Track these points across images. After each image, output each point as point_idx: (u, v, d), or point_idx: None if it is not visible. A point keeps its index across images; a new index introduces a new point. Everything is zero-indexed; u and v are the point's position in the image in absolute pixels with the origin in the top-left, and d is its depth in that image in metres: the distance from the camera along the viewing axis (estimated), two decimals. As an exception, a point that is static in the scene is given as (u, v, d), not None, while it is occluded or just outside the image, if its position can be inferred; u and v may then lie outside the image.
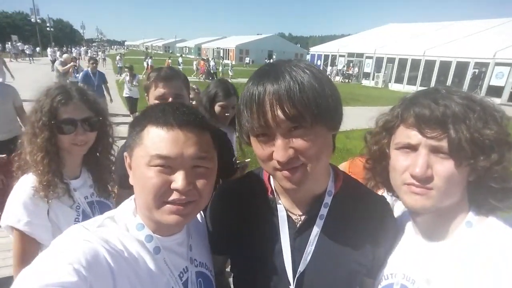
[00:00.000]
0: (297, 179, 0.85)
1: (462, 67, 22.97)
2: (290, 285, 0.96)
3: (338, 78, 31.82)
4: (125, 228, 0.88)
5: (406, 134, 0.90)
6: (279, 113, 0.78)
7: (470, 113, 0.83)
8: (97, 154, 1.63)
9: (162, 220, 0.85)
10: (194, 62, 26.59)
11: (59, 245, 0.75)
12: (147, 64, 24.32)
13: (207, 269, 1.06)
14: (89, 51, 45.87)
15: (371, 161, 1.09)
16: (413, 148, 0.89)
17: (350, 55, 33.04)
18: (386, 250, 1.05)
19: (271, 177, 1.04)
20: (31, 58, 32.38)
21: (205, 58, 32.14)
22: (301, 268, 0.96)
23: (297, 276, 0.96)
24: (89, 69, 8.53)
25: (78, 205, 1.51)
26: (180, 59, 28.78)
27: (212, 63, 26.56)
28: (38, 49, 48.39)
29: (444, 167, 0.84)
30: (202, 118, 0.92)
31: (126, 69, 10.27)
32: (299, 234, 0.99)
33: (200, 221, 1.17)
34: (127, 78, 9.66)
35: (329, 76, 1.00)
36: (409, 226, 1.06)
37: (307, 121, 0.79)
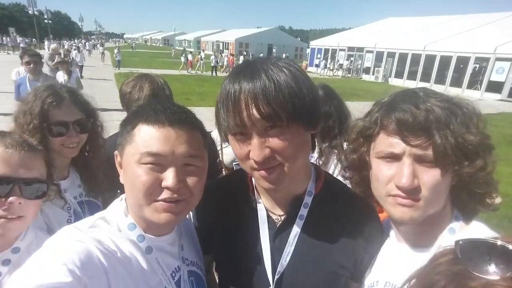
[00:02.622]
0: (274, 179, 0.85)
1: (462, 62, 22.89)
2: (269, 286, 0.96)
3: (340, 73, 31.82)
4: (117, 228, 0.88)
5: (389, 143, 0.86)
6: (254, 111, 0.78)
7: (453, 118, 0.80)
8: (86, 154, 1.61)
9: (153, 219, 0.85)
10: (225, 57, 28.28)
11: (52, 246, 0.75)
12: (186, 59, 26.27)
13: (199, 268, 1.06)
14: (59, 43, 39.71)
15: (349, 170, 1.04)
16: (396, 157, 0.85)
17: (351, 49, 32.89)
18: (372, 255, 1.03)
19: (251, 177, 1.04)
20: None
21: (233, 53, 33.07)
22: (280, 268, 0.96)
23: (276, 276, 0.96)
24: (27, 74, 5.02)
25: (69, 206, 1.50)
26: (202, 54, 28.63)
27: (241, 58, 28.48)
28: (34, 40, 47.80)
29: (430, 176, 0.81)
30: (193, 117, 0.92)
31: (58, 66, 7.74)
32: (279, 234, 0.98)
33: (190, 220, 1.18)
34: (64, 76, 7.26)
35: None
36: (392, 233, 1.03)
37: (283, 120, 0.79)
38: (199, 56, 27.44)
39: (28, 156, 1.03)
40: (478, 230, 0.88)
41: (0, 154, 0.98)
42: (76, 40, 60.65)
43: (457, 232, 0.89)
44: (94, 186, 1.62)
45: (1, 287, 0.96)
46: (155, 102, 0.93)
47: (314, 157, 2.33)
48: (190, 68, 26.16)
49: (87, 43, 46.39)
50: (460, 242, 0.55)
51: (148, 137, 0.82)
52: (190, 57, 26.64)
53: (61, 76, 7.54)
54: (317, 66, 33.96)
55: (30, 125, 1.38)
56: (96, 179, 1.62)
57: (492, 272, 0.49)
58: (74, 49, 22.02)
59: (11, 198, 0.97)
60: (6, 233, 0.98)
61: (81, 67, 17.69)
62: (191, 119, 0.90)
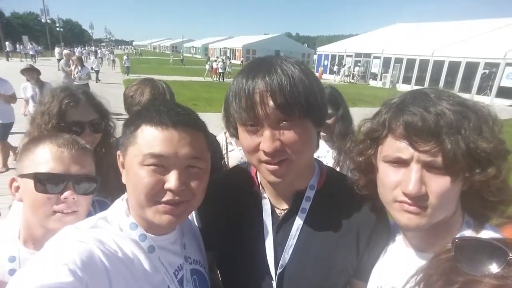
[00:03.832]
0: (280, 172, 0.87)
1: (471, 67, 22.59)
2: (272, 279, 0.96)
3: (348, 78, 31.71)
4: (118, 228, 0.88)
5: (396, 147, 0.82)
6: (270, 103, 0.80)
7: (464, 122, 0.76)
8: (98, 154, 1.62)
9: (154, 220, 0.85)
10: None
11: (53, 246, 0.76)
12: (211, 67, 26.68)
13: (201, 266, 1.06)
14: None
15: (356, 172, 1.02)
16: (404, 162, 0.81)
17: (358, 55, 32.77)
18: (375, 251, 1.01)
19: (257, 171, 1.05)
20: (33, 59, 32.21)
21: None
22: (282, 262, 0.96)
23: (279, 270, 0.96)
24: None
25: None
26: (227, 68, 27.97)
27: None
28: (40, 48, 48.60)
29: (438, 184, 0.77)
30: (197, 118, 0.92)
31: (25, 74, 5.81)
32: (281, 227, 0.99)
33: (192, 219, 1.18)
34: (34, 90, 5.57)
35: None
36: (400, 237, 1.00)
37: (296, 114, 0.82)
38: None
39: (79, 154, 1.10)
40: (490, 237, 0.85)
41: (54, 153, 1.05)
42: (86, 47, 61.99)
43: None
44: (105, 185, 1.64)
45: None
46: (158, 103, 0.93)
47: (328, 162, 2.37)
48: (214, 75, 26.44)
49: (99, 51, 46.95)
50: (456, 240, 0.55)
51: (151, 138, 0.82)
52: (214, 65, 27.02)
53: (28, 89, 5.64)
54: (335, 73, 33.41)
55: (48, 124, 1.43)
56: (106, 178, 1.63)
57: (479, 269, 0.49)
58: (91, 55, 22.92)
59: (66, 193, 1.04)
60: (62, 227, 1.01)
61: (97, 72, 19.17)
62: (195, 120, 0.90)
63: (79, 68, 10.02)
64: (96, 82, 18.63)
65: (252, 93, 0.81)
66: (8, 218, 1.36)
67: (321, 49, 39.56)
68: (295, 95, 0.81)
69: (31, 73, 5.69)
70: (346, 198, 1.02)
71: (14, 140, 5.70)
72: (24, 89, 5.84)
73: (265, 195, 1.03)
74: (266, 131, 0.83)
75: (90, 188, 1.12)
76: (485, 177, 0.77)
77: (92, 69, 18.93)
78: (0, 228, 1.14)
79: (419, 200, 0.80)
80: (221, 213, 1.07)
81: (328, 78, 31.51)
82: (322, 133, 2.47)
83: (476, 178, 0.78)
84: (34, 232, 1.08)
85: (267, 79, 0.81)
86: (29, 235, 1.08)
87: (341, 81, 30.95)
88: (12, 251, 1.05)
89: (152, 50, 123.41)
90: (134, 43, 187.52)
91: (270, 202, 1.02)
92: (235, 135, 0.94)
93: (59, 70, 12.17)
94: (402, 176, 0.82)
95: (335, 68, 33.91)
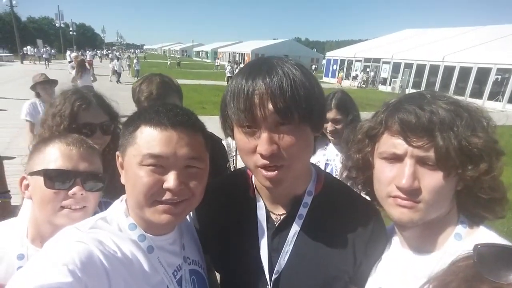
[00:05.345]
0: (277, 178, 0.85)
1: (483, 73, 22.18)
2: (267, 285, 0.95)
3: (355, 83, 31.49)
4: (118, 228, 0.89)
5: (391, 143, 0.85)
6: (270, 106, 0.78)
7: (457, 120, 0.79)
8: (106, 155, 1.64)
9: (153, 220, 0.86)
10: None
11: (53, 246, 0.76)
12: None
13: (200, 267, 1.07)
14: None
15: (354, 170, 1.03)
16: (398, 158, 0.84)
17: (367, 60, 32.55)
18: (373, 258, 1.00)
19: (253, 175, 1.04)
20: (47, 62, 32.43)
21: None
22: (278, 268, 0.95)
23: (274, 276, 0.95)
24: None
25: None
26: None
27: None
28: (53, 51, 49.33)
29: (432, 179, 0.80)
30: (195, 119, 0.93)
31: (38, 87, 4.07)
32: (278, 233, 0.98)
33: (190, 220, 1.19)
34: (40, 109, 3.87)
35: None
36: (396, 238, 1.00)
37: (295, 118, 0.80)
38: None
39: (87, 152, 1.13)
40: (486, 236, 0.84)
41: (63, 150, 1.09)
42: (98, 51, 63.21)
43: (464, 238, 0.86)
44: (112, 187, 1.67)
45: None
46: (157, 104, 0.94)
47: (336, 166, 2.34)
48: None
49: (125, 54, 46.92)
50: (479, 247, 0.54)
51: (150, 138, 0.83)
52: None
53: (39, 109, 3.84)
54: (354, 78, 32.93)
55: (60, 126, 1.46)
56: (114, 180, 1.66)
57: (504, 276, 0.48)
58: (114, 59, 25.38)
59: (74, 189, 1.07)
60: (70, 223, 1.03)
61: (119, 74, 21.57)
62: (193, 121, 0.91)
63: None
64: (117, 83, 20.99)
65: (252, 95, 0.79)
66: (17, 217, 1.40)
67: (330, 54, 39.38)
68: (295, 99, 0.78)
69: (48, 87, 4.00)
70: (344, 205, 1.01)
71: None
72: (33, 107, 3.96)
73: (260, 199, 1.02)
74: (263, 133, 0.81)
75: (98, 186, 1.15)
76: (477, 173, 0.79)
77: (116, 72, 22.01)
78: (9, 227, 1.17)
79: (412, 195, 0.82)
80: (218, 217, 1.07)
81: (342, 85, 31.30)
82: (331, 137, 2.46)
83: (468, 174, 0.80)
84: (42, 230, 1.10)
85: (268, 80, 0.78)
86: (37, 233, 1.11)
87: (356, 86, 30.69)
88: (21, 249, 1.07)
89: (162, 54, 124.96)
90: (144, 47, 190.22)
91: (266, 207, 1.01)
92: (231, 136, 0.93)
93: (70, 73, 12.57)
94: (396, 172, 0.85)
95: (354, 74, 33.38)
